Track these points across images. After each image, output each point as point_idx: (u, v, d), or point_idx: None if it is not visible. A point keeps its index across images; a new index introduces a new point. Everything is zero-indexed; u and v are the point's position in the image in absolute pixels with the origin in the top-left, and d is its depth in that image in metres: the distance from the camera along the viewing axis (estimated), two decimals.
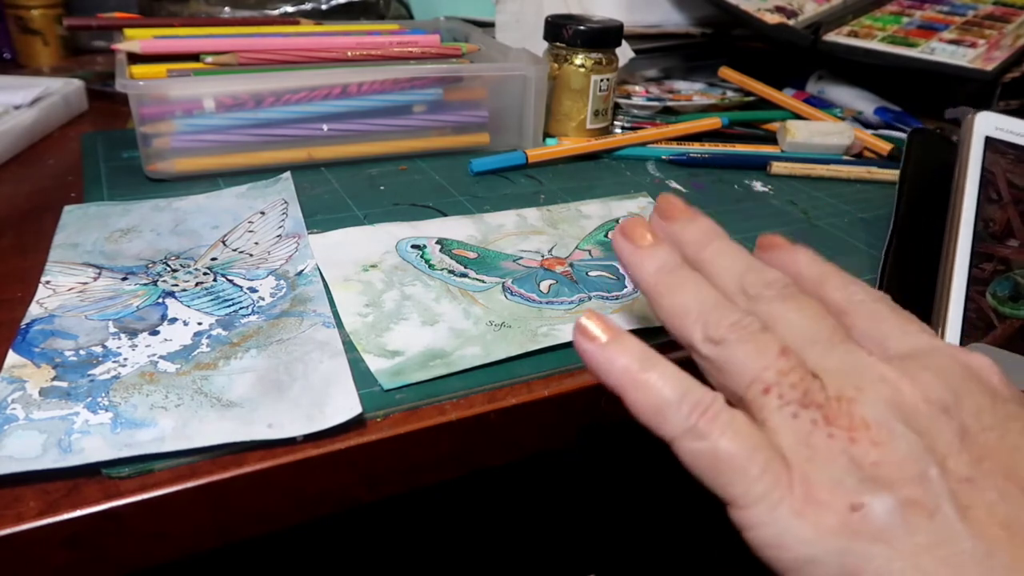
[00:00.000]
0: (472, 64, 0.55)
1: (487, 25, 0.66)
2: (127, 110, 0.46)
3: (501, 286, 0.36)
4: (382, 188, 0.47)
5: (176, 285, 0.35)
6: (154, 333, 0.31)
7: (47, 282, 0.34)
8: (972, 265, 0.35)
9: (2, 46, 0.73)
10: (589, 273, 0.38)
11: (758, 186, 0.51)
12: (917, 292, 0.35)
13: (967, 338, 0.32)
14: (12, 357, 0.29)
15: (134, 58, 0.49)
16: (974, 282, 0.34)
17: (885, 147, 0.57)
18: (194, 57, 0.49)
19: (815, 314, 0.23)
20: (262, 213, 0.42)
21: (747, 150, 0.55)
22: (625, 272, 0.28)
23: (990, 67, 0.62)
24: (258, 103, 0.47)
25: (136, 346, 0.30)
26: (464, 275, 0.37)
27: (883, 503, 0.19)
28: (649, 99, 0.63)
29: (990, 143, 0.40)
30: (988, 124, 0.41)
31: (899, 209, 0.41)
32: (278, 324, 0.32)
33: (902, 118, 0.62)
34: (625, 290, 0.37)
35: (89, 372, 0.28)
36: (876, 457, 0.20)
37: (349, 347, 0.31)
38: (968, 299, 0.34)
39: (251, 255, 0.38)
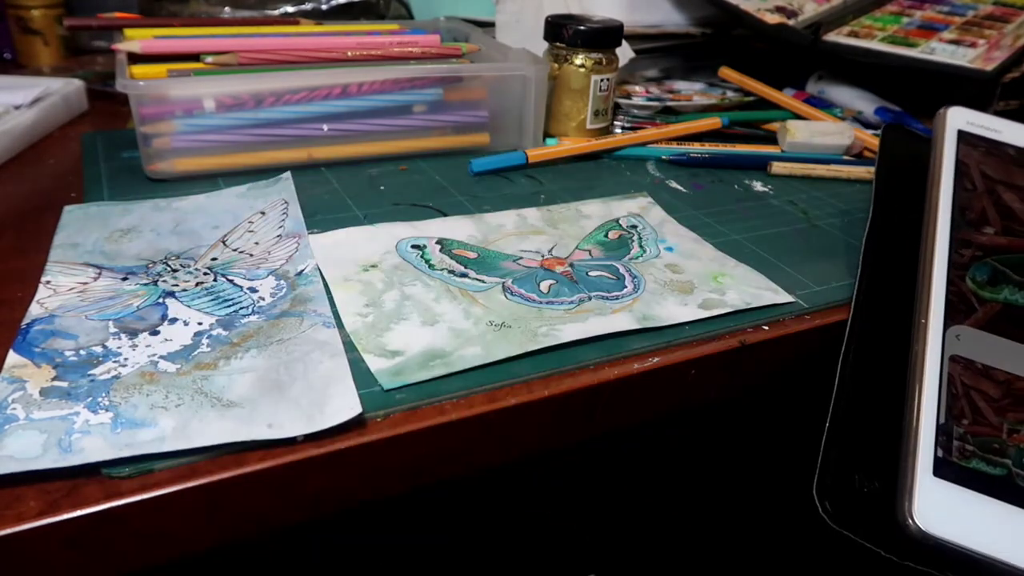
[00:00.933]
0: (472, 64, 0.55)
1: (487, 25, 0.66)
2: (127, 110, 0.46)
3: (501, 286, 0.36)
4: (382, 188, 0.47)
5: (176, 285, 0.35)
6: (154, 333, 0.31)
7: (47, 282, 0.34)
8: (952, 251, 0.36)
9: (2, 46, 0.73)
10: (589, 273, 0.38)
11: (758, 186, 0.51)
12: (895, 279, 0.36)
13: (951, 320, 0.33)
14: (12, 357, 0.29)
15: (134, 58, 0.49)
16: (954, 267, 0.35)
17: None
18: (194, 57, 0.49)
19: None
20: (262, 213, 0.42)
21: (747, 150, 0.55)
22: None
23: (990, 67, 0.62)
24: (258, 103, 0.47)
25: (136, 346, 0.30)
26: (464, 275, 0.37)
27: None
28: (649, 99, 0.63)
29: (963, 136, 0.41)
30: (960, 119, 0.42)
31: (876, 201, 0.42)
32: (278, 324, 0.32)
33: (902, 118, 0.62)
34: (625, 290, 0.37)
35: (89, 372, 0.28)
36: None
37: (349, 347, 0.31)
38: (949, 283, 0.34)
39: (251, 255, 0.38)
